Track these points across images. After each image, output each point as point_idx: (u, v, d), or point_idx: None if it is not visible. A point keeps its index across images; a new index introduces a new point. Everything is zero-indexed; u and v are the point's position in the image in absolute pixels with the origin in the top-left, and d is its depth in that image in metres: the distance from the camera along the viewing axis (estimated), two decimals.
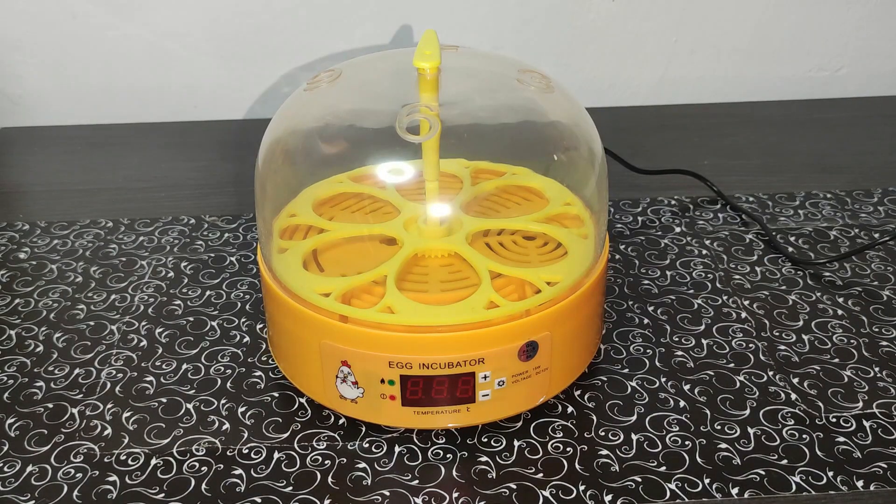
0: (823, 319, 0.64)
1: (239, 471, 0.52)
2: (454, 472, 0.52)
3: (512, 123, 0.65)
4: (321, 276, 0.57)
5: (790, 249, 0.73)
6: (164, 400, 0.58)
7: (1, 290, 0.69)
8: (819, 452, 0.53)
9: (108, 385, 0.59)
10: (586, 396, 0.57)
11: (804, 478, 0.51)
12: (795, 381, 0.58)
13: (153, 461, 0.53)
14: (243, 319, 0.65)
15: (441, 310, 0.53)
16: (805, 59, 1.02)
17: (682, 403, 0.57)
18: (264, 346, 0.62)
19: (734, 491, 0.50)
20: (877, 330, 0.63)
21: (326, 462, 0.53)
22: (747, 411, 0.56)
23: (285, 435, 0.55)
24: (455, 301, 0.53)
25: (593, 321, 0.58)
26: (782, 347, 0.62)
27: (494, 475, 0.52)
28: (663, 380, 0.59)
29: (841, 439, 0.54)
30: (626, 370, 0.60)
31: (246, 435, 0.55)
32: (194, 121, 1.00)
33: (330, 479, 0.51)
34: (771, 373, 0.59)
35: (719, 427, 0.55)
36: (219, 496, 0.51)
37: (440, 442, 0.54)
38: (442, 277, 0.56)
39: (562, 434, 0.54)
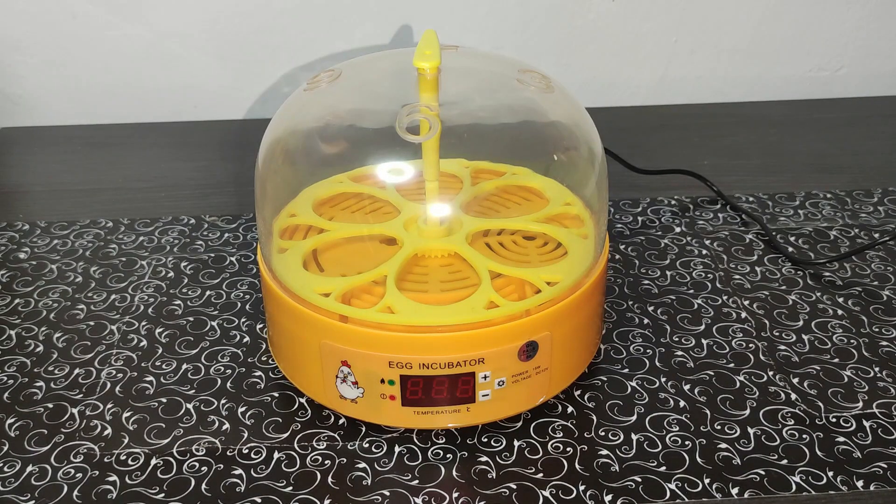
0: (823, 319, 0.64)
1: (239, 471, 0.52)
2: (454, 472, 0.52)
3: (512, 123, 0.65)
4: (321, 276, 0.57)
5: (790, 249, 0.73)
6: (164, 400, 0.58)
7: (1, 290, 0.69)
8: (819, 452, 0.53)
9: (108, 385, 0.59)
10: (586, 396, 0.57)
11: (804, 478, 0.51)
12: (795, 381, 0.58)
13: (153, 461, 0.53)
14: (243, 319, 0.65)
15: (441, 310, 0.53)
16: (805, 59, 1.02)
17: (682, 403, 0.57)
18: (264, 346, 0.62)
19: (734, 491, 0.50)
20: (877, 330, 0.63)
21: (326, 462, 0.53)
22: (747, 411, 0.56)
23: (285, 435, 0.55)
24: (455, 301, 0.53)
25: (593, 321, 0.58)
26: (782, 347, 0.62)
27: (494, 475, 0.52)
28: (663, 380, 0.59)
29: (841, 439, 0.54)
30: (626, 370, 0.60)
31: (246, 435, 0.55)
32: (194, 121, 1.00)
33: (330, 479, 0.51)
34: (771, 373, 0.59)
35: (719, 427, 0.55)
36: (219, 496, 0.51)
37: (440, 442, 0.54)
38: (442, 277, 0.56)
39: (562, 434, 0.54)
